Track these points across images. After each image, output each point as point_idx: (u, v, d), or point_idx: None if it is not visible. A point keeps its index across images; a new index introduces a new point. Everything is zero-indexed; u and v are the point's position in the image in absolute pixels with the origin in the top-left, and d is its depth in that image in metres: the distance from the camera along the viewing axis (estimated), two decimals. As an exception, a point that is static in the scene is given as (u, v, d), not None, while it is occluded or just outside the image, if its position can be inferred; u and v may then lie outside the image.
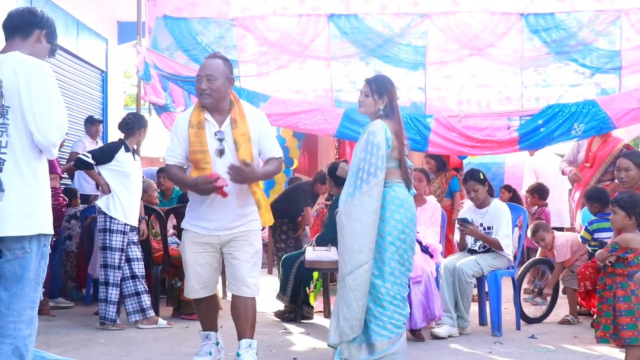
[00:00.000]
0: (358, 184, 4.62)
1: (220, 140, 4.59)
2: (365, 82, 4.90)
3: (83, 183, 8.39)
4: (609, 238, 6.08)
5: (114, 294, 6.20)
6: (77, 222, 7.93)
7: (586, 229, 6.28)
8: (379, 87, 4.83)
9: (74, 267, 8.05)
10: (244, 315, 4.70)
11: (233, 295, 4.78)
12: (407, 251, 4.71)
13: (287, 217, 9.04)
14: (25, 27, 3.69)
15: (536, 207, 9.00)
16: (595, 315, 4.51)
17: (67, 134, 3.97)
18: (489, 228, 6.31)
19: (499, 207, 6.33)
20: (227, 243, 4.68)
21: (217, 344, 4.97)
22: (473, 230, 6.24)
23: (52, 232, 3.68)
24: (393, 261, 4.65)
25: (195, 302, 5.01)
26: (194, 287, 4.77)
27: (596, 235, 6.25)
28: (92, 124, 8.76)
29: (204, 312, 4.95)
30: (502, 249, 6.15)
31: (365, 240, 4.56)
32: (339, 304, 4.62)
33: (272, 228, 9.13)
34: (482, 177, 6.38)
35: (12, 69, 3.53)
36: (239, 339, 4.67)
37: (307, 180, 9.98)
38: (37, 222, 3.57)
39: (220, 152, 4.58)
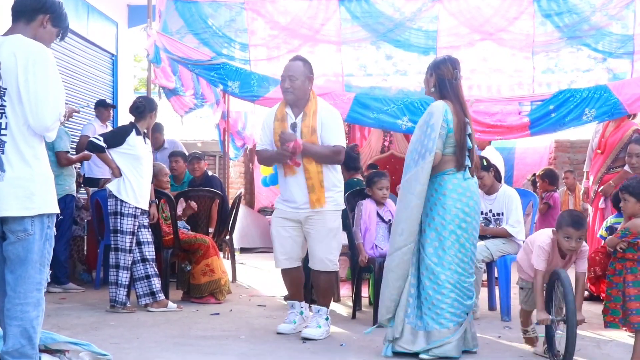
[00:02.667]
0: (412, 165, 4.65)
1: (294, 130, 5.32)
2: None
3: (92, 166, 8.40)
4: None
5: (124, 277, 6.23)
6: (85, 210, 7.99)
7: (605, 229, 5.99)
8: (431, 65, 4.92)
9: (80, 250, 8.10)
10: (316, 286, 5.56)
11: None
12: (469, 240, 4.70)
13: None
14: (29, 11, 3.70)
15: (546, 192, 8.98)
16: (605, 301, 4.48)
17: (76, 116, 3.99)
18: (498, 214, 6.28)
19: (507, 194, 6.30)
20: (305, 220, 5.34)
21: (302, 313, 5.48)
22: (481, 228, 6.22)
23: (57, 211, 3.70)
24: (453, 249, 4.65)
25: (282, 273, 5.62)
26: (279, 258, 5.50)
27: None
28: (105, 108, 8.74)
29: (289, 282, 5.60)
30: (511, 237, 6.16)
31: (406, 224, 4.59)
32: (382, 284, 4.80)
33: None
34: (485, 163, 6.34)
35: (11, 51, 3.55)
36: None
37: None
38: (40, 202, 3.59)
39: None
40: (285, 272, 5.56)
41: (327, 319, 5.39)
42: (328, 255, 5.34)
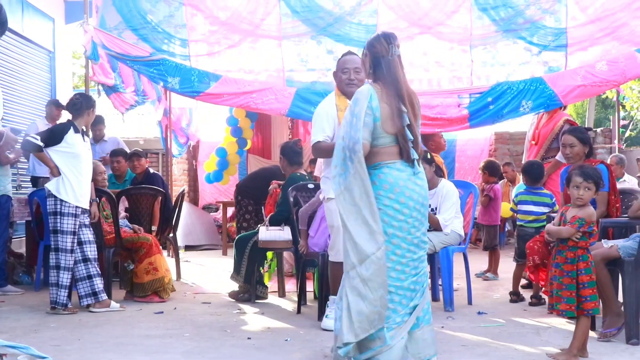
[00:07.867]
0: (347, 164, 4.01)
1: None
2: None
3: (36, 165, 8.28)
4: (530, 212, 6.66)
5: (65, 278, 6.11)
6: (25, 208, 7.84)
7: (513, 201, 6.81)
8: (365, 44, 4.33)
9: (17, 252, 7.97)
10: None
11: None
12: (404, 240, 4.06)
13: (253, 198, 8.92)
14: None
15: (487, 184, 9.11)
16: (554, 289, 4.51)
17: (21, 115, 3.92)
18: (436, 209, 6.35)
19: (446, 188, 6.35)
20: None
21: None
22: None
23: None
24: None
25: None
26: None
27: (520, 207, 6.70)
28: (56, 107, 8.63)
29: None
30: (441, 230, 6.24)
31: (366, 227, 3.96)
32: (350, 298, 3.99)
33: (237, 207, 9.11)
34: (428, 156, 6.41)
35: None
36: None
37: (277, 165, 9.93)
38: None
39: None
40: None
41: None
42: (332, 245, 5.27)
